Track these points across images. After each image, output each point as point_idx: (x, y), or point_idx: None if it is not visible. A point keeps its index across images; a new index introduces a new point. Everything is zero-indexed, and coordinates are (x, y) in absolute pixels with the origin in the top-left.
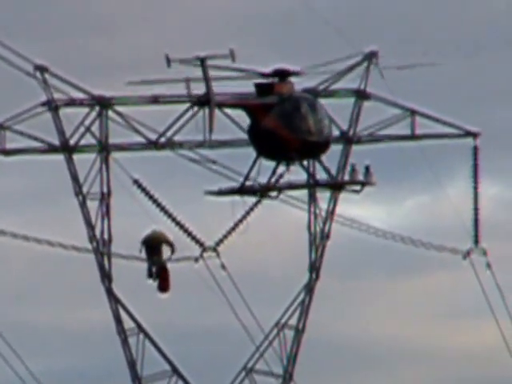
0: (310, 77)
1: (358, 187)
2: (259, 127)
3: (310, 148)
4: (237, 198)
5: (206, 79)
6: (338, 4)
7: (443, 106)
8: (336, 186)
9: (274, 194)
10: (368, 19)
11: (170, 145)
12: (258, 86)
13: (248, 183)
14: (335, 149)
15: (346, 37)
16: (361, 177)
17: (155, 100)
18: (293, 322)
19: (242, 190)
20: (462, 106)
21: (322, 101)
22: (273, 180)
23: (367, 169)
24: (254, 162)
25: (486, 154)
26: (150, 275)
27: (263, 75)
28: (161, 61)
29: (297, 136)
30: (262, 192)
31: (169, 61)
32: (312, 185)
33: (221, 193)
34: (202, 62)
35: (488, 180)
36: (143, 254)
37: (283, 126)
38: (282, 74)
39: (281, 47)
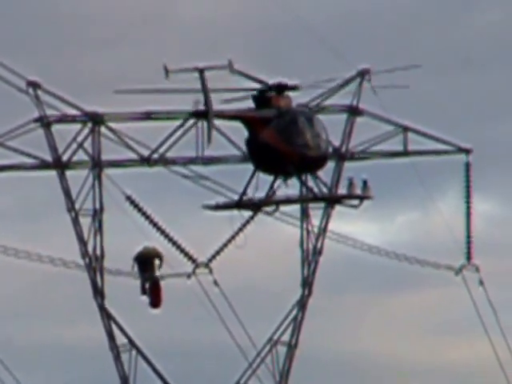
0: (302, 92)
1: (356, 202)
2: (257, 140)
3: (308, 162)
4: (235, 212)
5: (205, 90)
6: (333, 20)
7: (436, 123)
8: (334, 200)
9: (270, 208)
10: (361, 36)
11: (163, 161)
12: (255, 98)
13: (245, 197)
14: (328, 165)
15: (340, 53)
16: (359, 191)
17: (148, 116)
18: (285, 338)
19: (239, 205)
20: (454, 123)
21: None
22: (267, 194)
23: (365, 183)
24: (252, 176)
25: (478, 171)
26: (144, 292)
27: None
28: (155, 76)
29: (294, 150)
30: (259, 206)
31: (167, 71)
32: (310, 199)
33: (218, 207)
34: (201, 72)
35: (479, 196)
36: (136, 270)
37: (281, 140)
38: (280, 88)
39: (273, 62)
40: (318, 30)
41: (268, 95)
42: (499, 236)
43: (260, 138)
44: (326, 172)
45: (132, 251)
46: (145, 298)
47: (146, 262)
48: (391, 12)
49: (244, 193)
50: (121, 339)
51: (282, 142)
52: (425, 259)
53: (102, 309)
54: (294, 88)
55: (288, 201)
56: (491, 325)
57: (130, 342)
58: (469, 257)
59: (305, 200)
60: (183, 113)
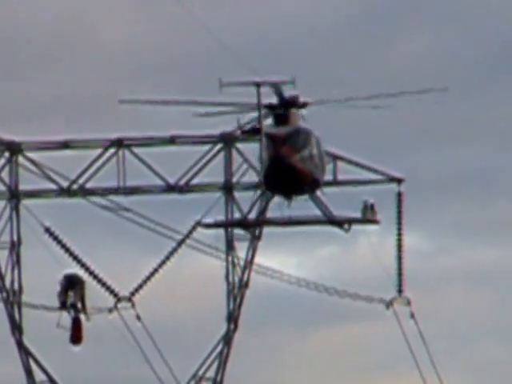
0: (226, 121)
1: (346, 226)
2: (283, 160)
3: (316, 183)
4: (221, 231)
5: (259, 105)
6: (255, 44)
7: (367, 152)
8: (344, 223)
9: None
10: (284, 63)
11: (83, 192)
12: (276, 115)
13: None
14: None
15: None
16: (378, 215)
17: (66, 145)
18: (210, 374)
19: (242, 223)
20: (386, 153)
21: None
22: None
23: (372, 207)
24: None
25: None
26: (63, 307)
27: (271, 105)
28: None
29: (309, 170)
30: (260, 225)
31: (221, 84)
32: (325, 221)
33: (218, 226)
34: (258, 86)
35: (408, 228)
36: (58, 294)
37: (299, 159)
38: (292, 104)
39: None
40: (241, 54)
41: (288, 113)
42: (425, 269)
43: (282, 156)
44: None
45: (52, 284)
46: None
47: (74, 282)
48: (314, 38)
49: (249, 212)
50: (40, 376)
51: (299, 161)
52: (356, 292)
53: (20, 345)
54: (304, 105)
55: (298, 222)
56: (422, 358)
57: (50, 379)
58: (400, 289)
59: (317, 222)
60: (101, 141)
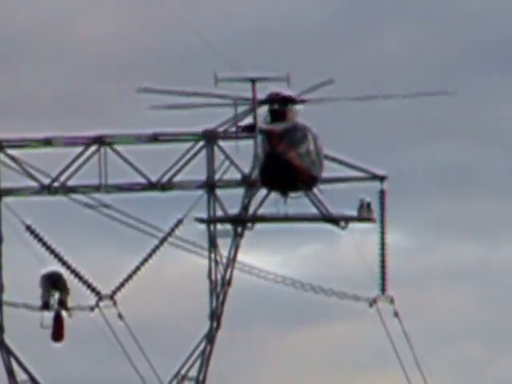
0: (206, 120)
1: (343, 224)
2: (275, 154)
3: (312, 180)
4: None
5: (254, 101)
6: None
7: (349, 149)
8: (341, 220)
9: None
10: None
11: (64, 189)
12: (273, 111)
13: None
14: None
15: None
16: (375, 214)
17: (48, 142)
18: (193, 373)
19: (238, 219)
20: (369, 150)
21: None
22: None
23: (369, 205)
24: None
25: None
26: (45, 307)
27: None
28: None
29: (306, 166)
30: (256, 222)
31: (216, 79)
32: (321, 218)
33: (212, 221)
34: (253, 82)
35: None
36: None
37: (296, 155)
38: (287, 101)
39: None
40: (221, 49)
41: (286, 109)
42: (408, 267)
43: (278, 152)
44: (234, 198)
45: (33, 283)
46: (48, 315)
47: (56, 280)
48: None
49: (246, 208)
50: (21, 376)
51: (296, 158)
52: (342, 291)
53: (1, 344)
54: (301, 101)
55: (294, 219)
56: (406, 357)
57: (31, 378)
58: (383, 288)
59: (313, 219)
60: (84, 138)
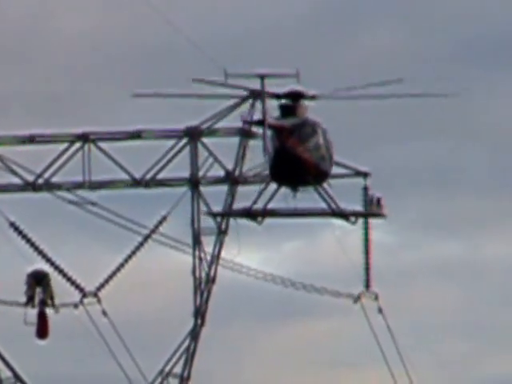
0: (192, 116)
1: (353, 219)
2: (285, 149)
3: (321, 175)
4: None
5: (263, 97)
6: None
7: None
8: (351, 215)
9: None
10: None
11: (48, 186)
12: (283, 107)
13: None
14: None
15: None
16: (385, 209)
17: (32, 139)
18: (177, 369)
19: (251, 213)
20: (352, 147)
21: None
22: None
23: (379, 201)
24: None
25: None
26: (30, 301)
27: (277, 96)
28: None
29: (315, 161)
30: (266, 216)
31: (226, 75)
32: (330, 213)
33: (225, 214)
34: (262, 79)
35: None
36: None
37: (305, 150)
38: (298, 96)
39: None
40: (208, 50)
41: (295, 104)
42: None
43: (288, 148)
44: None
45: (17, 280)
46: (30, 310)
47: (41, 278)
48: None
49: (255, 202)
50: (5, 373)
51: (306, 153)
52: (323, 287)
53: None
54: (312, 97)
55: (304, 214)
56: (390, 353)
57: (15, 375)
58: (367, 284)
59: (322, 214)
60: (68, 136)
